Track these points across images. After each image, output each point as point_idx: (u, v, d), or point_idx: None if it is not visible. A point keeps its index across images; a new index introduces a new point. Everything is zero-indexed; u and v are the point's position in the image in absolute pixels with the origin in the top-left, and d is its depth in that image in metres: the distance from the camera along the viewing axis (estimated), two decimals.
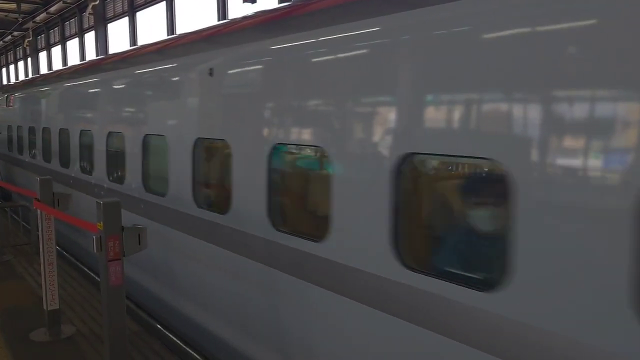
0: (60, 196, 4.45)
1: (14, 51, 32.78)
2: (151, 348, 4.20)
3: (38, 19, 25.35)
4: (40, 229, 4.37)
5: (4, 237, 6.82)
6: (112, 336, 3.09)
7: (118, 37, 20.22)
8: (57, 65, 25.66)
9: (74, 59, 24.02)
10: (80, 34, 23.31)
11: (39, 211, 4.38)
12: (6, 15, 23.99)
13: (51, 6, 23.29)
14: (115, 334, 3.10)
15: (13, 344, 4.25)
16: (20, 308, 5.05)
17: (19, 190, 6.62)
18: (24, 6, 24.01)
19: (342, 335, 2.88)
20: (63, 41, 25.41)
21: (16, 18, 24.78)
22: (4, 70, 34.61)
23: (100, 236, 3.03)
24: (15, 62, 32.72)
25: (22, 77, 30.01)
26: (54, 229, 4.39)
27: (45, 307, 4.38)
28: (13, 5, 23.58)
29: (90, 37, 22.70)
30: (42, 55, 28.36)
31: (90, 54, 22.37)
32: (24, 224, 8.30)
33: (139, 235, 3.11)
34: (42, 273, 4.38)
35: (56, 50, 26.63)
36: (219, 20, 14.48)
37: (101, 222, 3.02)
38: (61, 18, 24.74)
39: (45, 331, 4.40)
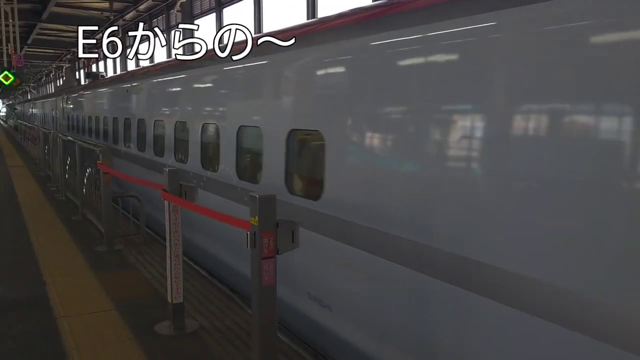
0: (187, 188, 4.37)
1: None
2: (280, 349, 4.03)
3: (128, 16, 26.34)
4: (167, 220, 4.30)
5: (114, 227, 6.91)
6: (262, 336, 2.91)
7: (204, 34, 20.64)
8: (144, 62, 26.53)
9: (160, 56, 24.74)
10: (167, 30, 23.98)
11: (166, 202, 4.31)
12: (102, 13, 25.06)
13: (141, 4, 24.13)
14: (265, 334, 2.92)
15: (139, 337, 4.21)
16: (139, 299, 5.03)
17: (141, 182, 6.66)
18: (116, 4, 25.02)
19: None
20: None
21: (108, 16, 25.86)
22: (93, 66, 36.29)
23: (255, 232, 2.86)
24: (105, 59, 34.26)
25: (110, 73, 31.37)
26: (180, 220, 4.32)
27: (170, 300, 4.31)
28: (106, 4, 24.65)
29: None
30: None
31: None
32: (124, 212, 8.50)
33: (292, 232, 2.92)
34: (168, 265, 4.30)
35: (143, 47, 27.57)
36: (308, 18, 14.38)
37: (255, 217, 2.84)
38: (149, 15, 25.59)
39: (170, 324, 4.33)
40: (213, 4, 19.54)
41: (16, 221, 8.28)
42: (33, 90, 58.50)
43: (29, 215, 8.70)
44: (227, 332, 4.34)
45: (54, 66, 45.44)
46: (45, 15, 25.24)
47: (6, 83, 17.54)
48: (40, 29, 29.35)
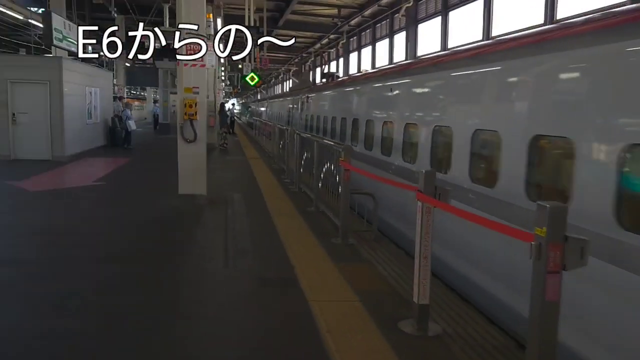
0: (441, 190, 4.37)
1: (327, 53, 36.74)
2: None
3: (353, 22, 27.71)
4: (419, 221, 4.35)
5: (349, 222, 7.26)
6: (540, 352, 2.75)
7: (428, 37, 20.70)
8: (366, 65, 27.65)
9: (382, 60, 25.51)
10: (390, 35, 24.63)
11: (419, 203, 4.36)
12: (332, 19, 26.83)
13: (366, 10, 25.17)
14: (544, 350, 2.76)
15: (384, 330, 4.32)
16: (378, 293, 5.19)
17: (393, 183, 6.79)
18: (343, 11, 26.54)
19: None
20: (373, 42, 27.26)
21: (335, 22, 27.56)
22: (318, 69, 39.02)
23: (540, 243, 2.71)
24: (328, 63, 36.62)
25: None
26: (432, 222, 4.34)
27: (415, 299, 4.36)
28: (335, 11, 26.27)
29: (398, 38, 23.81)
30: (353, 56, 31.01)
31: (399, 55, 23.43)
32: (359, 215, 8.84)
33: (582, 248, 2.70)
34: (416, 266, 4.34)
35: (366, 51, 28.77)
36: (545, 21, 13.47)
37: (544, 228, 2.69)
38: (373, 20, 26.55)
39: (414, 323, 4.38)
40: (440, 7, 19.47)
41: (261, 206, 9.27)
42: (263, 91, 65.17)
43: (270, 202, 9.66)
44: (470, 340, 4.24)
45: (283, 69, 49.95)
46: (281, 22, 27.87)
47: (251, 83, 19.86)
48: (275, 35, 32.55)
